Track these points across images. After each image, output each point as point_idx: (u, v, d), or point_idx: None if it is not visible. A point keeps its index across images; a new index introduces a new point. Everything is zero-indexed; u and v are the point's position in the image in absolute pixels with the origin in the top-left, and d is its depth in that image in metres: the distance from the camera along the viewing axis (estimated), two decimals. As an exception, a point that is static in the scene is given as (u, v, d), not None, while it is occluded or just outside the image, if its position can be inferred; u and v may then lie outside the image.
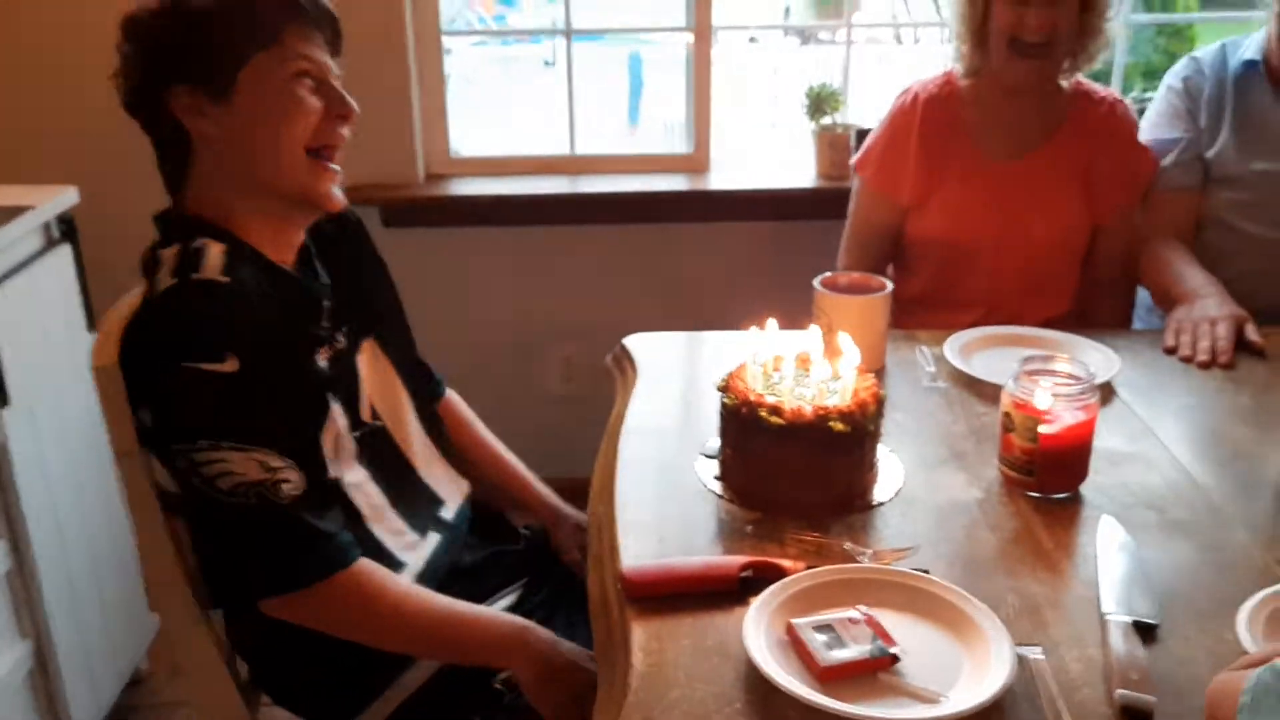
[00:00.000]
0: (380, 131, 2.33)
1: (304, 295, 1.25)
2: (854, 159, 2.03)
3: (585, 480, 1.38)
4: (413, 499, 1.36)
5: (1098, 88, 1.95)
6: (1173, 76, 2.01)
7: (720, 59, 2.52)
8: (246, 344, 1.11)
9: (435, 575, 1.31)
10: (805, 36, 10.01)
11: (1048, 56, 1.81)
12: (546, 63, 8.53)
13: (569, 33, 2.56)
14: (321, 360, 1.26)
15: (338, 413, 1.25)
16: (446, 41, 2.48)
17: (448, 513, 1.41)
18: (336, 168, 1.24)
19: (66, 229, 1.87)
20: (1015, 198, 1.88)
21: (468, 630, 1.22)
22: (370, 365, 1.34)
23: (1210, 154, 1.94)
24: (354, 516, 1.25)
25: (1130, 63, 2.95)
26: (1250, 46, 1.93)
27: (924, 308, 1.92)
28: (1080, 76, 1.93)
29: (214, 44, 1.15)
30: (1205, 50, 2.00)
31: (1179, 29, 4.55)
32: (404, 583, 1.23)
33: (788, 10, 10.82)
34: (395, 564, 1.27)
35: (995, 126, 1.91)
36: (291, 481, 1.12)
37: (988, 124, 1.91)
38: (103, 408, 1.15)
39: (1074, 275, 1.97)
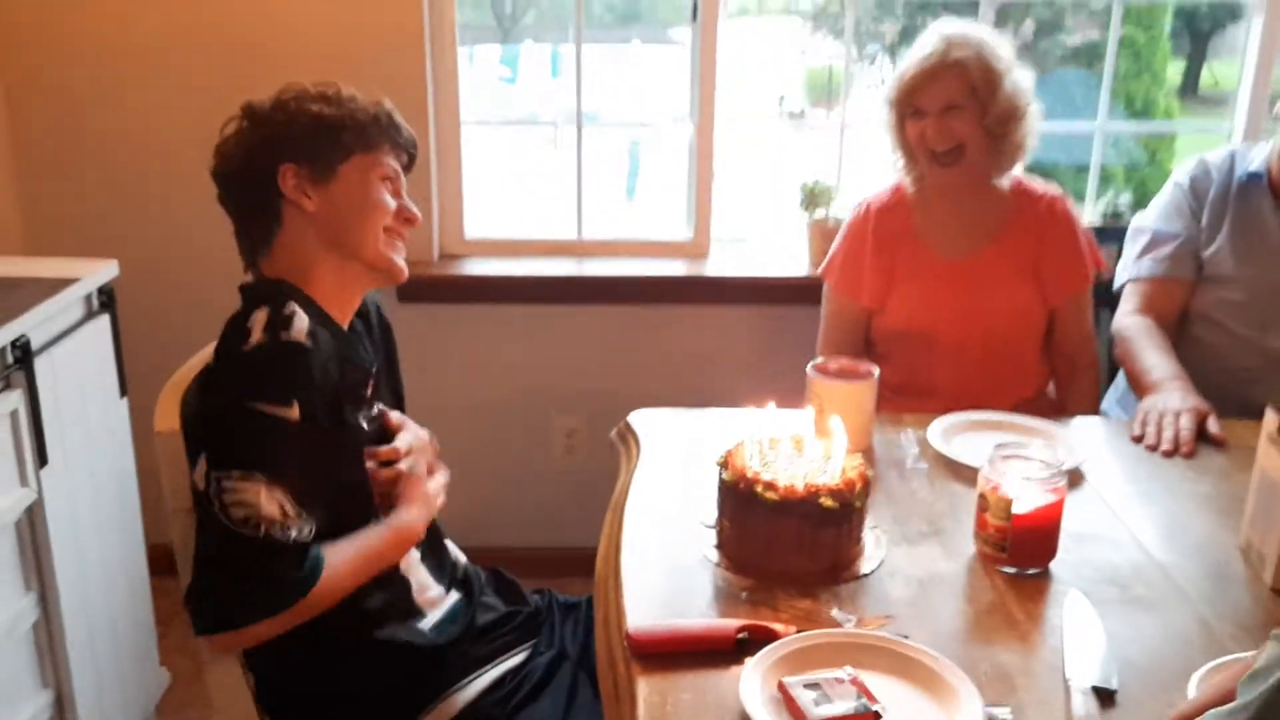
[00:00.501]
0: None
1: (359, 359, 1.41)
2: (820, 267, 2.19)
3: (586, 550, 1.49)
4: (439, 556, 1.50)
5: (1038, 186, 2.09)
6: (1181, 174, 2.14)
7: (722, 145, 2.67)
8: (312, 400, 1.25)
9: (453, 629, 1.43)
10: (796, 125, 10.30)
11: (960, 162, 1.98)
12: (550, 145, 8.77)
13: (580, 122, 2.71)
14: (364, 423, 1.39)
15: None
16: (465, 130, 2.63)
17: (460, 574, 1.54)
18: (403, 243, 1.44)
19: (106, 300, 1.99)
20: (969, 290, 2.02)
21: (371, 552, 1.35)
22: None
23: (1207, 253, 2.06)
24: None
25: (1107, 165, 3.12)
26: (1256, 159, 2.06)
27: (897, 394, 2.04)
28: (1021, 176, 2.09)
29: (328, 139, 1.36)
30: (1215, 154, 2.13)
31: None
32: (335, 557, 1.31)
33: (782, 99, 11.16)
34: (418, 614, 1.40)
35: (943, 228, 2.06)
36: (300, 531, 1.23)
37: (935, 226, 2.06)
38: (163, 469, 1.26)
39: (1035, 359, 2.10)
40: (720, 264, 2.70)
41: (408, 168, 1.46)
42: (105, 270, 1.97)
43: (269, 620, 1.24)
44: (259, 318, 1.27)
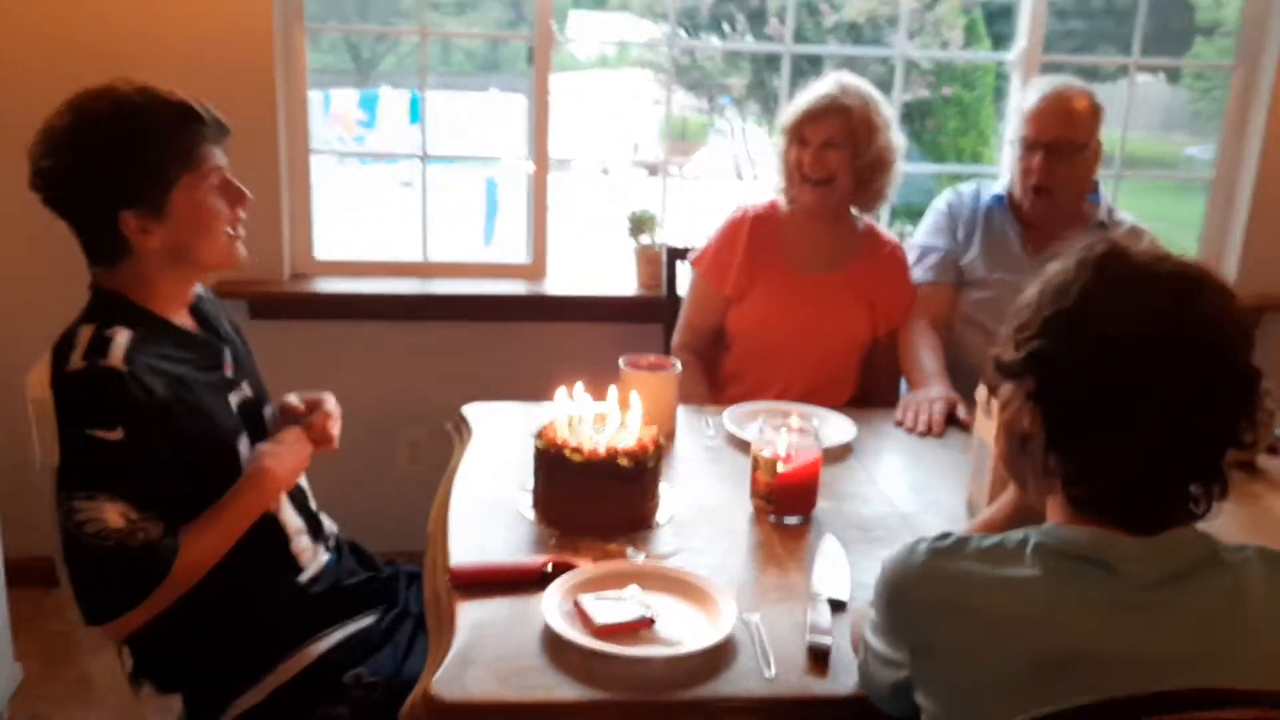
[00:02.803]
0: (252, 234, 2.62)
1: (209, 348, 1.58)
2: (691, 258, 2.47)
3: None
4: (314, 519, 1.71)
5: (885, 233, 2.46)
6: (940, 200, 2.56)
7: (573, 185, 2.93)
8: (134, 417, 1.39)
9: (324, 584, 1.65)
10: (652, 170, 10.75)
11: (828, 188, 2.30)
12: (405, 184, 8.96)
13: (425, 156, 2.94)
14: (233, 403, 1.58)
15: (246, 448, 1.57)
16: (313, 159, 2.81)
17: (332, 541, 1.75)
18: (242, 233, 1.58)
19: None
20: (814, 306, 2.33)
21: (236, 513, 1.51)
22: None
23: (964, 262, 2.46)
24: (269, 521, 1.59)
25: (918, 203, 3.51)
26: (999, 185, 2.49)
27: (735, 383, 2.34)
28: (873, 223, 2.44)
29: (154, 175, 1.44)
30: (965, 186, 2.57)
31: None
32: (195, 533, 1.47)
33: (636, 146, 11.61)
34: (295, 567, 1.61)
35: (803, 246, 2.37)
36: (147, 531, 1.39)
37: (798, 243, 2.37)
38: (37, 432, 1.42)
39: (855, 374, 2.42)
40: (557, 284, 2.95)
41: (225, 145, 1.53)
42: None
43: (137, 609, 1.41)
44: (82, 338, 1.41)
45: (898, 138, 2.34)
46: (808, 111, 2.29)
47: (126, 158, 1.43)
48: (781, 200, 2.40)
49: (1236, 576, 1.01)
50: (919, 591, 1.06)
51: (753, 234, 2.37)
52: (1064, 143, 2.29)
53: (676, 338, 2.46)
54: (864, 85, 2.32)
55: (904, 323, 2.41)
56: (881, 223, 3.15)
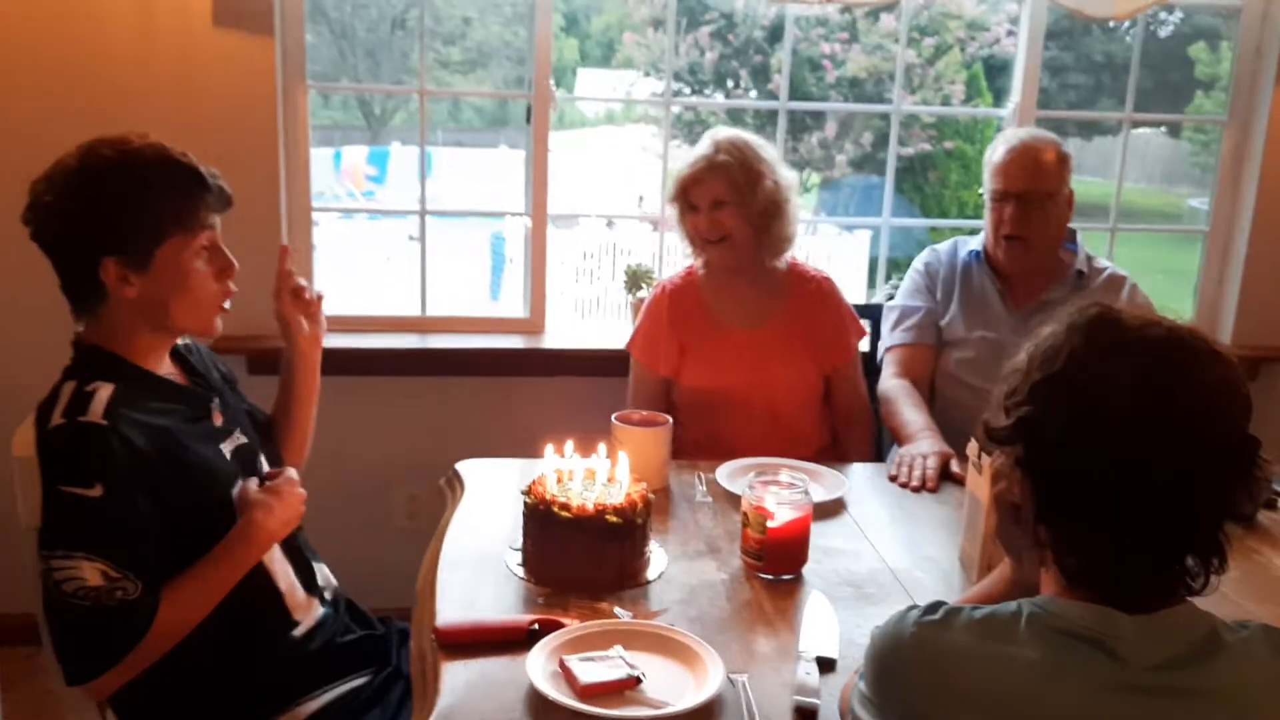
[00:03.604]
0: (252, 289, 2.62)
1: (195, 398, 1.58)
2: (625, 341, 2.48)
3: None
4: (308, 571, 1.69)
5: (810, 269, 2.45)
6: (918, 261, 2.56)
7: (578, 240, 2.96)
8: (113, 474, 1.39)
9: (319, 640, 1.63)
10: (656, 224, 10.82)
11: (727, 245, 2.31)
12: (412, 237, 9.06)
13: (424, 212, 2.97)
14: (226, 452, 1.58)
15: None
16: (315, 215, 2.85)
17: (329, 594, 1.72)
18: (228, 306, 1.59)
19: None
20: (754, 359, 2.33)
21: (223, 569, 1.50)
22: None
23: (944, 321, 2.46)
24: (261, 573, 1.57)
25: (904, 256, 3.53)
26: (975, 242, 2.49)
27: (698, 451, 2.31)
28: (796, 260, 2.43)
29: (144, 227, 1.46)
30: (943, 244, 2.57)
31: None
32: (178, 590, 1.45)
33: (641, 198, 11.70)
34: (290, 621, 1.59)
35: (728, 304, 2.38)
36: (125, 590, 1.38)
37: (722, 303, 2.38)
38: (20, 492, 1.42)
39: (816, 418, 2.41)
40: (555, 338, 2.96)
41: (223, 213, 1.55)
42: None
43: (116, 668, 1.39)
44: (64, 394, 1.42)
45: (787, 175, 2.35)
46: (689, 176, 2.32)
47: (121, 204, 1.44)
48: (697, 264, 2.42)
49: (1238, 660, 0.97)
50: (907, 666, 1.02)
51: (673, 306, 2.38)
52: (1033, 193, 2.31)
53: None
54: (739, 135, 2.34)
55: (849, 357, 2.40)
56: (878, 278, 3.18)
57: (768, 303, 2.38)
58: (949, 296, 2.47)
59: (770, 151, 2.35)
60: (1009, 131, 2.48)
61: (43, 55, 2.56)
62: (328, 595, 1.73)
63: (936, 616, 1.02)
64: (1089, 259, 2.45)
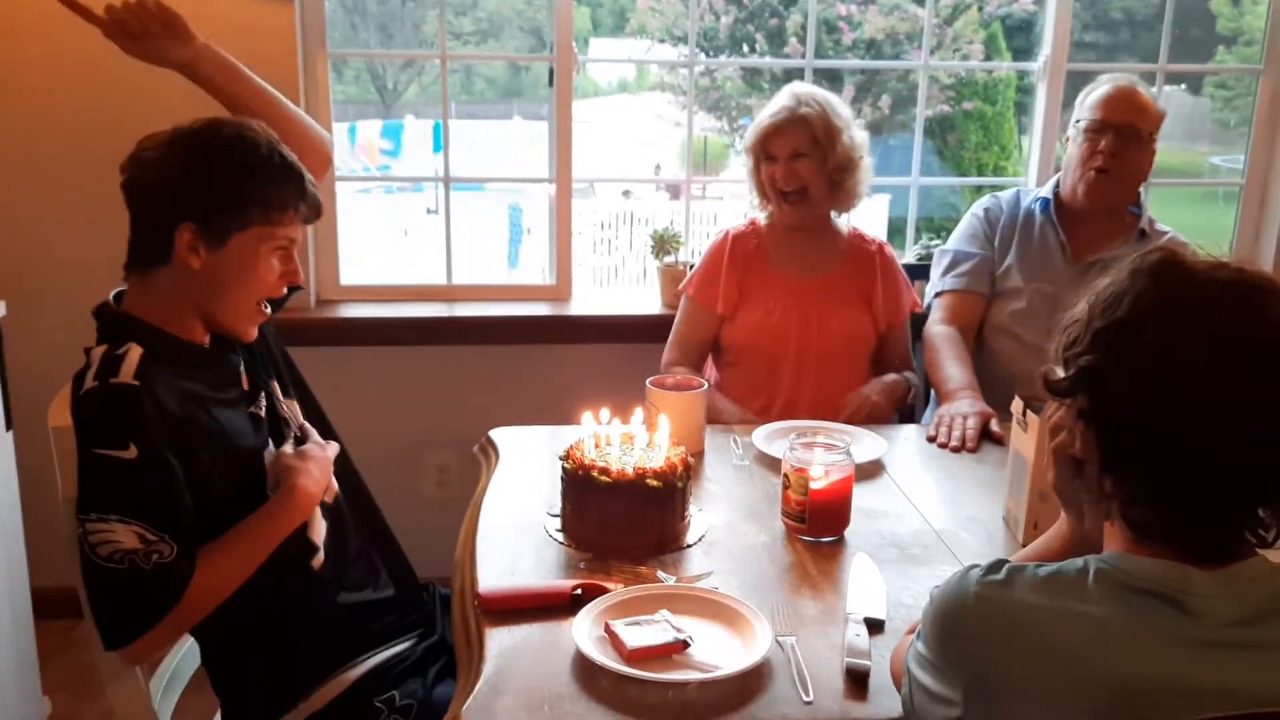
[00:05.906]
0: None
1: (222, 363, 1.56)
2: (681, 285, 2.47)
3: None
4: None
5: (868, 234, 2.46)
6: (978, 207, 2.53)
7: (596, 209, 2.94)
8: (147, 435, 1.38)
9: (333, 553, 1.61)
10: (674, 192, 10.77)
11: (804, 201, 2.32)
12: (429, 210, 9.02)
13: (447, 180, 2.94)
14: (254, 417, 1.57)
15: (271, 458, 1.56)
16: (337, 186, 2.82)
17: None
18: (269, 311, 1.57)
19: (-9, 339, 2.10)
20: (809, 306, 2.33)
21: (263, 530, 1.48)
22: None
23: (999, 270, 2.44)
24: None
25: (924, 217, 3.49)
26: (1045, 189, 2.47)
27: (739, 401, 2.31)
28: (856, 225, 2.44)
29: (234, 209, 1.45)
30: (1005, 192, 2.55)
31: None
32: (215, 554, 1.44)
33: (658, 167, 11.63)
34: (310, 549, 1.57)
35: (788, 255, 2.38)
36: (161, 553, 1.37)
37: (782, 253, 2.39)
38: (58, 461, 1.41)
39: (864, 372, 2.38)
40: (581, 305, 2.93)
41: (309, 223, 1.57)
42: (-8, 310, 2.08)
43: (154, 631, 1.38)
44: (96, 358, 1.41)
45: (860, 134, 2.36)
46: (770, 127, 2.32)
47: (220, 178, 1.45)
48: (761, 218, 2.42)
49: None
50: (974, 625, 0.98)
51: (735, 251, 2.39)
52: (1131, 127, 2.30)
53: (665, 355, 2.45)
54: (818, 91, 2.36)
55: (902, 320, 2.41)
56: (906, 237, 3.14)
57: (828, 258, 2.40)
58: (1006, 245, 2.44)
59: (845, 110, 2.36)
60: (1111, 75, 2.44)
61: (61, 24, 2.53)
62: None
63: (1000, 576, 0.99)
64: (1151, 221, 2.43)
